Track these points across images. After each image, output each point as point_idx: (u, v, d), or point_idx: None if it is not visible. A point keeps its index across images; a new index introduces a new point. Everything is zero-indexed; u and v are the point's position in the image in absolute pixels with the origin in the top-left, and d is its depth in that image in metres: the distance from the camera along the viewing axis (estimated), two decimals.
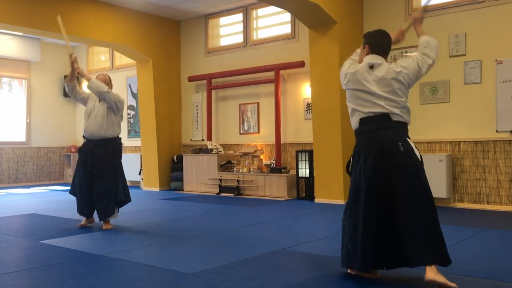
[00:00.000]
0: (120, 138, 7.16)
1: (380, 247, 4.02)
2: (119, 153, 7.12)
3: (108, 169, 6.83)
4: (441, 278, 3.81)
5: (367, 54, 4.38)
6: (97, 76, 7.07)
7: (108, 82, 7.06)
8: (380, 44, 4.44)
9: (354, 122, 4.32)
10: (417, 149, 4.16)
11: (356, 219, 4.09)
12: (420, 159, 4.13)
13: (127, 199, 7.06)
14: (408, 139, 4.13)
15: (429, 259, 3.86)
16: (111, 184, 6.81)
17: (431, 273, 3.83)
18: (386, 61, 4.34)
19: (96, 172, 6.76)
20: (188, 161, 11.98)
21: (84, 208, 6.95)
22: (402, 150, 4.02)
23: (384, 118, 4.10)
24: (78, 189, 6.94)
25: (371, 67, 4.24)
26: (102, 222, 6.91)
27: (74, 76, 6.99)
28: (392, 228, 3.99)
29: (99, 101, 6.96)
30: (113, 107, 6.86)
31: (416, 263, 3.90)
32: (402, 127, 4.14)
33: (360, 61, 4.41)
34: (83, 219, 7.05)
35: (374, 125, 4.12)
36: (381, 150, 4.03)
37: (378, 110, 4.12)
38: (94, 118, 6.86)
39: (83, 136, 7.02)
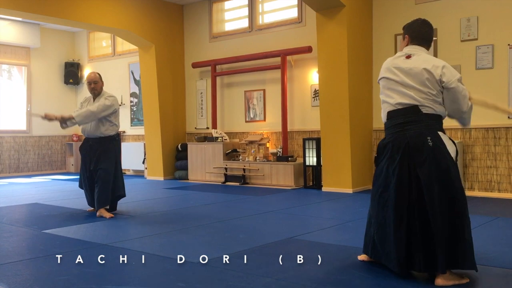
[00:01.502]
0: (118, 134, 7.40)
1: (412, 248, 3.87)
2: (118, 149, 7.42)
3: (106, 163, 7.09)
4: (451, 282, 3.78)
5: (407, 45, 4.27)
6: (87, 77, 7.28)
7: (98, 80, 7.23)
8: (420, 33, 4.25)
9: (383, 116, 4.26)
10: (454, 144, 4.04)
11: (383, 213, 4.06)
12: (454, 154, 3.98)
13: (124, 194, 7.43)
14: (440, 132, 4.01)
15: (443, 265, 3.76)
16: (108, 176, 7.06)
17: (440, 279, 3.78)
18: (428, 52, 4.23)
19: (92, 169, 7.11)
20: (193, 149, 12.02)
21: (91, 202, 7.35)
22: (431, 145, 3.89)
23: (412, 110, 3.99)
24: (83, 184, 7.38)
25: (408, 56, 4.15)
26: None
27: (62, 123, 7.13)
28: (424, 229, 3.84)
29: (95, 99, 7.24)
30: (105, 117, 7.13)
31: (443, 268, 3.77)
32: (433, 119, 4.01)
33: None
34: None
35: (401, 118, 4.03)
36: (408, 147, 3.94)
37: (406, 101, 4.02)
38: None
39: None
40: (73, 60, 15.41)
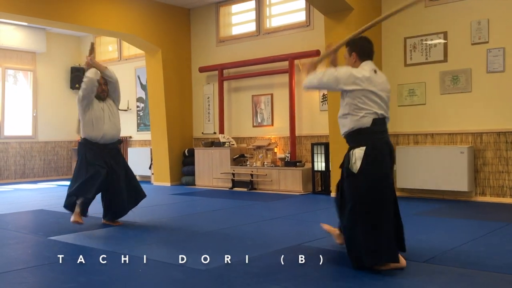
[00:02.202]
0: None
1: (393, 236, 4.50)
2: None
3: (128, 169, 6.99)
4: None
5: (356, 61, 4.83)
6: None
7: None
8: (369, 49, 4.88)
9: (365, 121, 4.59)
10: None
11: (371, 216, 4.41)
12: None
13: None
14: None
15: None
16: (129, 183, 6.92)
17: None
18: None
19: (114, 175, 6.75)
20: (200, 155, 12.02)
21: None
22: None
23: (385, 121, 4.74)
24: (97, 189, 6.72)
25: (375, 71, 4.70)
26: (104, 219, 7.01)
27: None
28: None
29: (101, 101, 7.02)
30: (119, 97, 7.09)
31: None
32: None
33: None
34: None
35: (383, 126, 4.68)
36: (390, 151, 4.67)
37: (383, 112, 4.67)
38: (110, 120, 6.89)
39: (92, 141, 6.79)
40: (79, 65, 15.44)
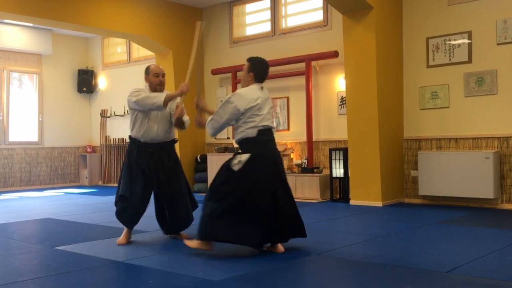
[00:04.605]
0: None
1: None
2: None
3: (180, 175, 6.63)
4: None
5: (252, 80, 5.78)
6: (153, 68, 6.74)
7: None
8: (265, 75, 5.93)
9: (251, 132, 5.56)
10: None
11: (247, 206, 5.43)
12: None
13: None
14: None
15: None
16: (186, 190, 6.65)
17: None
18: None
19: (158, 183, 6.38)
20: (213, 161, 12.04)
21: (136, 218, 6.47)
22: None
23: (271, 131, 5.71)
24: (134, 199, 6.29)
25: (262, 88, 5.76)
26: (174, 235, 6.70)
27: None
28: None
29: None
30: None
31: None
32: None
33: (245, 84, 5.84)
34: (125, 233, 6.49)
35: (268, 136, 5.64)
36: (274, 158, 5.63)
37: (268, 123, 5.63)
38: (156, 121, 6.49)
39: (138, 140, 6.42)
40: (87, 67, 15.56)
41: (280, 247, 5.59)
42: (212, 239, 5.51)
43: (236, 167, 5.45)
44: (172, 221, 6.48)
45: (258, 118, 5.53)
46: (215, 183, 5.64)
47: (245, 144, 5.58)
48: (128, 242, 6.33)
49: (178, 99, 6.46)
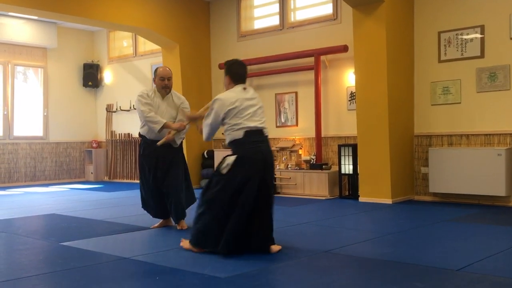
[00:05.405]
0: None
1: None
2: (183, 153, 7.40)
3: (178, 170, 7.09)
4: None
5: (230, 83, 5.84)
6: (159, 71, 7.02)
7: (172, 76, 7.11)
8: (241, 75, 5.90)
9: (238, 134, 5.57)
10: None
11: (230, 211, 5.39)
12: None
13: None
14: None
15: None
16: (182, 185, 7.14)
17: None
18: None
19: (159, 176, 6.98)
20: (220, 157, 11.92)
21: (158, 213, 7.23)
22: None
23: (262, 132, 5.65)
24: (148, 194, 7.11)
25: (245, 88, 5.76)
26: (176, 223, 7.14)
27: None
28: None
29: (162, 99, 7.03)
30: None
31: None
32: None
33: (227, 88, 5.88)
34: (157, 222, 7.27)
35: (258, 137, 5.59)
36: (264, 160, 5.52)
37: (256, 124, 5.60)
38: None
39: (146, 137, 7.03)
40: (92, 61, 15.60)
41: (274, 248, 5.49)
42: (202, 248, 5.49)
43: (224, 170, 5.47)
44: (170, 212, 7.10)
45: (242, 120, 5.54)
46: (206, 188, 5.64)
47: (232, 146, 5.64)
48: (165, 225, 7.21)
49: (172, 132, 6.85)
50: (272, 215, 5.63)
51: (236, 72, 5.87)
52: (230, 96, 5.65)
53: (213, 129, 5.82)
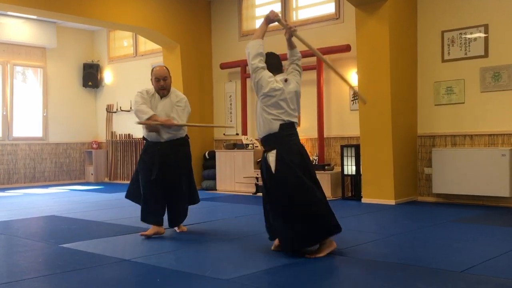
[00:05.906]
0: (187, 136, 7.29)
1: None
2: (190, 152, 7.51)
3: (181, 171, 7.07)
4: None
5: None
6: (154, 72, 6.89)
7: (168, 75, 6.92)
8: (277, 65, 6.10)
9: (275, 127, 5.57)
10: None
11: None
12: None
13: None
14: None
15: None
16: (184, 187, 7.04)
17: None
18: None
19: (162, 178, 6.75)
20: (221, 157, 12.08)
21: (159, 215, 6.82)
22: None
23: (294, 126, 5.67)
24: (149, 195, 6.75)
25: (286, 80, 5.85)
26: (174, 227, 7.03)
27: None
28: None
29: (161, 98, 6.90)
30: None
31: None
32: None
33: None
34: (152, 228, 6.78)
35: (291, 130, 5.61)
36: (300, 152, 5.53)
37: (289, 118, 5.62)
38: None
39: (147, 139, 6.94)
40: (92, 61, 15.61)
41: (333, 244, 5.48)
42: (302, 248, 5.41)
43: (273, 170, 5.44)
44: (168, 214, 6.88)
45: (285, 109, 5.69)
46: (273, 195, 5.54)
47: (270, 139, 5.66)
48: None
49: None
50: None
51: (271, 63, 5.97)
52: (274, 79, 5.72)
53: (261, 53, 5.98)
